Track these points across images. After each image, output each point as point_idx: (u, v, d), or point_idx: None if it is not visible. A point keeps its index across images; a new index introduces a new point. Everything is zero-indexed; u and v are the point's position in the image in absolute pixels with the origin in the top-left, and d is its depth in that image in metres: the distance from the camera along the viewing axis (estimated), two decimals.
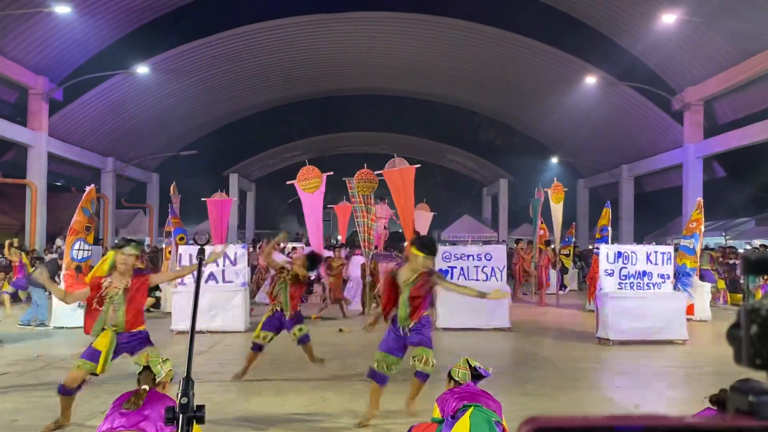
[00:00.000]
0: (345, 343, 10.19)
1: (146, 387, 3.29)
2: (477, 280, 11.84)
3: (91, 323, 5.54)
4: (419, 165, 13.32)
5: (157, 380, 3.39)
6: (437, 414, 3.61)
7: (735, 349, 0.62)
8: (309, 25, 25.51)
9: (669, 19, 18.87)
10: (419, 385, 5.84)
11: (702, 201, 14.04)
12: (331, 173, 13.27)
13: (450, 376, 3.85)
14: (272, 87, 31.15)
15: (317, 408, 6.20)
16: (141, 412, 3.19)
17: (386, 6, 25.41)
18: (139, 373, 3.42)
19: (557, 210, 17.17)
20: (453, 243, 25.70)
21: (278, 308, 7.57)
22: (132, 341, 5.59)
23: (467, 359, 3.87)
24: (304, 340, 7.66)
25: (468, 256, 12.06)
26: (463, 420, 3.34)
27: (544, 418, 0.44)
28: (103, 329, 5.50)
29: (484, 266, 11.94)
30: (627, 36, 23.30)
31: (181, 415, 1.96)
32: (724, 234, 25.44)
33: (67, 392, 5.41)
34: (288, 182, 13.94)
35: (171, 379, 3.55)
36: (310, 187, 12.95)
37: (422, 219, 16.39)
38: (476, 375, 3.81)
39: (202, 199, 15.99)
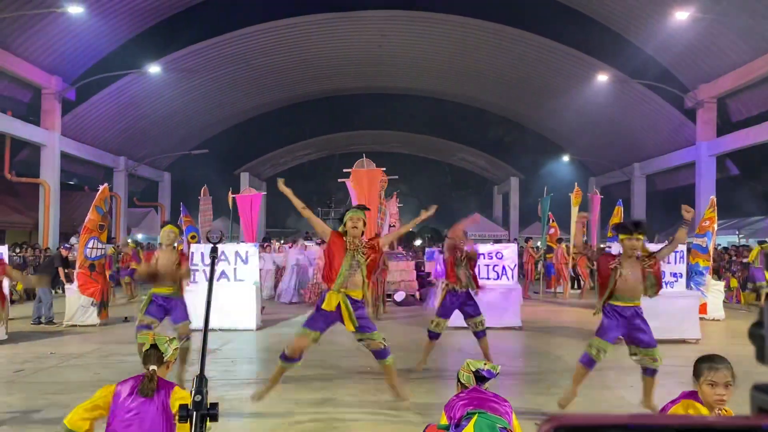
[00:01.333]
0: (356, 341, 10.18)
1: (154, 367, 3.31)
2: (488, 278, 11.82)
3: (332, 278, 5.75)
4: (384, 169, 13.47)
5: (165, 359, 3.41)
6: (444, 421, 3.57)
7: (757, 347, 0.62)
8: (319, 23, 25.55)
9: (682, 15, 18.73)
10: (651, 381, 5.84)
11: (715, 199, 13.93)
12: (396, 177, 13.45)
13: (458, 380, 3.81)
14: (283, 86, 31.21)
15: (329, 405, 6.22)
16: (153, 400, 3.22)
17: (396, 4, 25.39)
18: (146, 351, 3.44)
19: (575, 213, 17.26)
20: None
21: (461, 288, 7.75)
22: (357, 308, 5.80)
23: (468, 362, 3.81)
24: (481, 335, 7.73)
25: (479, 254, 12.02)
26: (467, 430, 3.32)
27: (566, 416, 0.44)
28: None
29: (495, 265, 11.90)
30: (639, 33, 23.14)
31: (194, 413, 1.97)
32: (737, 233, 25.24)
33: (288, 360, 5.76)
34: (340, 180, 14.07)
35: (175, 359, 3.57)
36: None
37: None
38: (480, 377, 3.76)
39: (232, 196, 16.10)
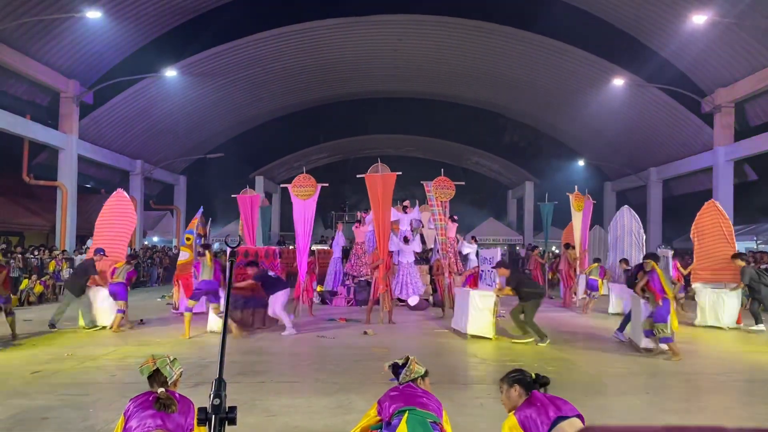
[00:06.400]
0: (369, 345, 10.20)
1: (163, 389, 3.28)
2: (493, 285, 11.79)
3: None
4: (400, 173, 13.35)
5: (169, 382, 3.39)
6: (374, 412, 3.67)
7: None
8: (335, 28, 25.62)
9: (699, 19, 18.57)
10: None
11: (717, 204, 13.66)
12: (326, 184, 13.16)
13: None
14: (298, 90, 31.34)
15: (342, 410, 6.21)
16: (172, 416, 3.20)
17: (412, 9, 25.42)
18: (150, 377, 3.42)
19: (578, 219, 16.97)
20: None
21: None
22: None
23: (408, 357, 3.92)
24: None
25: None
26: (400, 427, 3.43)
27: (600, 428, 0.44)
28: None
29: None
30: (656, 37, 22.99)
31: (213, 416, 1.98)
32: (755, 238, 24.96)
33: None
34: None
35: (181, 375, 3.56)
36: (304, 195, 13.07)
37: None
38: (396, 372, 3.87)
39: (232, 195, 16.60)
